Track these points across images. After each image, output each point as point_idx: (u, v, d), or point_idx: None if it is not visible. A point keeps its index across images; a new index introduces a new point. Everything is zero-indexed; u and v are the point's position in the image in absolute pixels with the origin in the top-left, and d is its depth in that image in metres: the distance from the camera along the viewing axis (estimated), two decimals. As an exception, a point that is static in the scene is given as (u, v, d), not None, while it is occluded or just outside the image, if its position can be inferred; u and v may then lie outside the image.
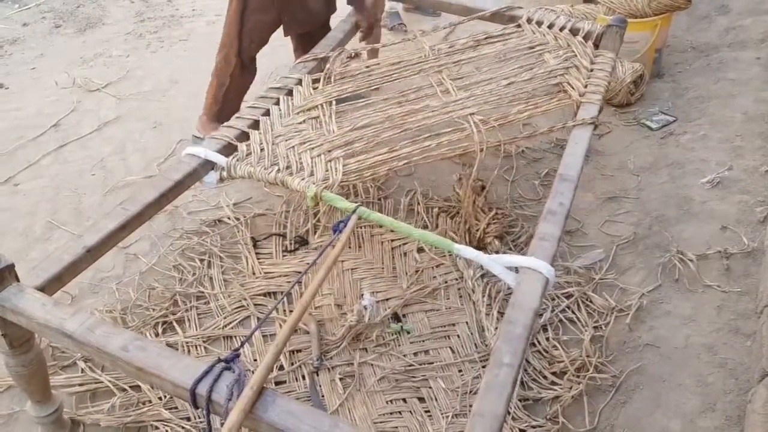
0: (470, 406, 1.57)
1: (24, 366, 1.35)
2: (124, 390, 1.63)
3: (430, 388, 1.66)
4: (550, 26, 2.23)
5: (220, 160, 1.69)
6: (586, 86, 1.94)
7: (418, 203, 2.24)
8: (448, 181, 2.34)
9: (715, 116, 2.62)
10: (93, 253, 1.39)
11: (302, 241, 2.12)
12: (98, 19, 3.71)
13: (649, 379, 1.65)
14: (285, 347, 1.58)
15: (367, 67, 2.12)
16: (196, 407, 1.12)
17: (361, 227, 2.13)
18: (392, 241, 2.10)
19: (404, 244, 2.09)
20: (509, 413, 1.57)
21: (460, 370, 1.71)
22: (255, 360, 1.72)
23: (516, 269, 1.39)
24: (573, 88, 1.93)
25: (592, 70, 2.02)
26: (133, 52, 3.38)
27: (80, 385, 1.65)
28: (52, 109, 2.87)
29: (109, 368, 1.63)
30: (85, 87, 3.02)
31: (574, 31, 2.20)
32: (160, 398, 1.61)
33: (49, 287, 1.31)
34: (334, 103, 1.95)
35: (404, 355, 1.74)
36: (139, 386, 1.63)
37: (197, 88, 2.84)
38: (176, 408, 1.59)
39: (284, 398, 1.10)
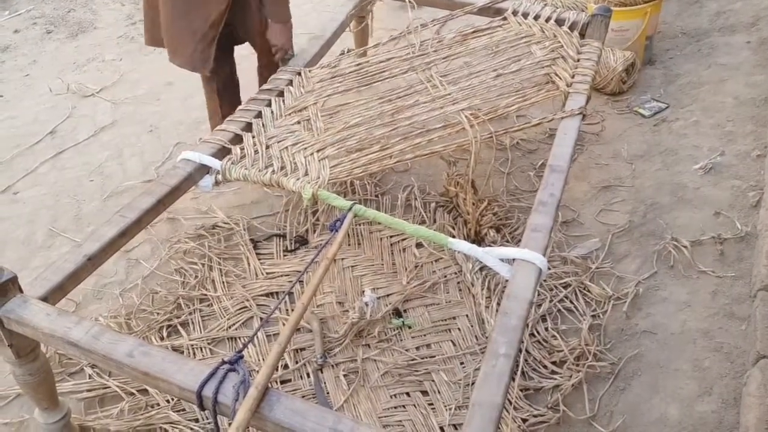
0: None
1: (31, 375, 1.37)
2: (132, 394, 1.65)
3: (433, 381, 1.68)
4: (536, 17, 2.24)
5: (214, 163, 1.71)
6: (573, 76, 1.95)
7: (416, 198, 2.25)
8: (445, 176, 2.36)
9: (707, 102, 2.63)
10: (93, 261, 1.40)
11: (302, 241, 2.14)
12: (90, 23, 3.71)
13: (646, 365, 1.68)
14: (288, 346, 1.60)
15: (358, 65, 2.13)
16: (203, 409, 1.15)
17: (359, 225, 2.15)
18: (391, 237, 2.11)
19: (403, 240, 2.10)
20: (510, 403, 1.59)
21: (461, 363, 1.73)
22: (261, 360, 1.74)
23: (510, 261, 1.41)
24: (560, 78, 1.94)
25: (578, 60, 2.03)
26: (126, 56, 3.38)
27: (88, 390, 1.67)
28: (48, 116, 2.88)
29: (116, 373, 1.66)
30: (80, 92, 3.03)
31: (559, 22, 2.20)
32: (168, 401, 1.63)
33: (52, 297, 1.33)
34: (325, 102, 1.97)
35: (406, 350, 1.76)
36: (146, 390, 1.65)
37: (192, 90, 2.86)
38: (184, 410, 1.62)
39: (288, 397, 1.12)
